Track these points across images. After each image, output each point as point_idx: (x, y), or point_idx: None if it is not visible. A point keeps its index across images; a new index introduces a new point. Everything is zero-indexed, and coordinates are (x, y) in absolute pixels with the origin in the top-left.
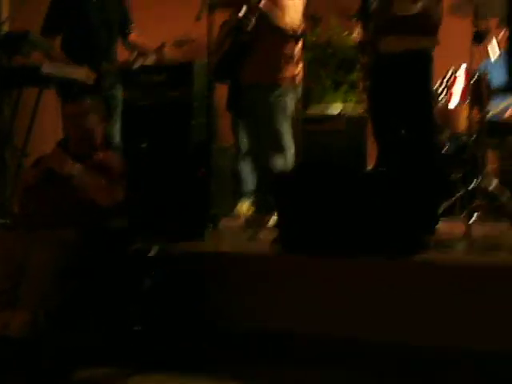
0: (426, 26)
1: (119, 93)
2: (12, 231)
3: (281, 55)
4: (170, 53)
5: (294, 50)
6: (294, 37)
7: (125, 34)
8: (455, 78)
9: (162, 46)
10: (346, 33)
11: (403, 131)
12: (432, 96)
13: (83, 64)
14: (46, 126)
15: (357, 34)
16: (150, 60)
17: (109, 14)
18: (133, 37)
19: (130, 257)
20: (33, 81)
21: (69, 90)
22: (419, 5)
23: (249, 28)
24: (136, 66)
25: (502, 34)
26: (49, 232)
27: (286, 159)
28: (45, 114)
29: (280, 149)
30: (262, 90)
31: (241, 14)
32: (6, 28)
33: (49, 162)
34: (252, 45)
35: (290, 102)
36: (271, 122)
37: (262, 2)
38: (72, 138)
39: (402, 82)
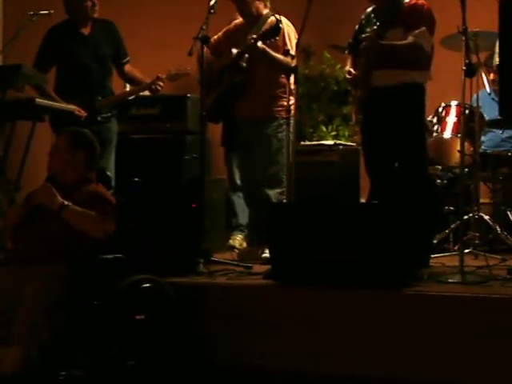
0: (418, 59)
1: (114, 126)
2: (5, 267)
3: (275, 88)
4: (164, 85)
5: (287, 81)
6: (288, 69)
7: (120, 65)
8: (448, 109)
9: (157, 79)
10: (339, 66)
11: (396, 164)
12: (424, 129)
13: (76, 99)
14: (39, 159)
15: (348, 67)
16: (145, 92)
17: (100, 49)
18: (128, 68)
19: (122, 290)
20: (26, 114)
21: (61, 125)
22: (410, 38)
23: (244, 65)
24: (131, 97)
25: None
26: (41, 267)
27: (283, 191)
28: (37, 146)
29: (278, 181)
30: (258, 123)
31: (234, 52)
32: None
33: (38, 197)
34: (247, 82)
35: (286, 133)
36: (269, 154)
37: (260, 43)
38: (53, 173)
39: (395, 116)
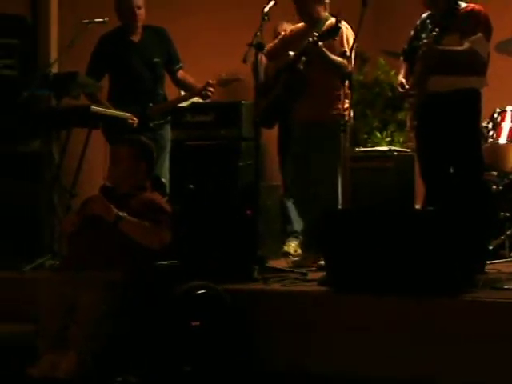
0: (474, 65)
1: (167, 133)
2: (61, 273)
3: (332, 90)
4: (215, 92)
5: (344, 85)
6: (343, 74)
7: (172, 72)
8: (504, 114)
9: (207, 84)
10: (394, 72)
11: (451, 170)
12: (480, 135)
13: (128, 106)
14: (93, 166)
15: (402, 76)
16: (199, 99)
17: (151, 55)
18: (181, 74)
19: (177, 296)
20: (82, 121)
21: (114, 132)
22: (467, 44)
23: (301, 68)
24: (182, 104)
25: None
26: (96, 273)
27: (337, 196)
28: (91, 154)
29: (333, 186)
30: (315, 126)
31: (291, 54)
32: (54, 69)
33: (93, 208)
34: (304, 84)
35: (343, 138)
36: (326, 158)
37: (320, 44)
38: (111, 182)
39: (450, 121)
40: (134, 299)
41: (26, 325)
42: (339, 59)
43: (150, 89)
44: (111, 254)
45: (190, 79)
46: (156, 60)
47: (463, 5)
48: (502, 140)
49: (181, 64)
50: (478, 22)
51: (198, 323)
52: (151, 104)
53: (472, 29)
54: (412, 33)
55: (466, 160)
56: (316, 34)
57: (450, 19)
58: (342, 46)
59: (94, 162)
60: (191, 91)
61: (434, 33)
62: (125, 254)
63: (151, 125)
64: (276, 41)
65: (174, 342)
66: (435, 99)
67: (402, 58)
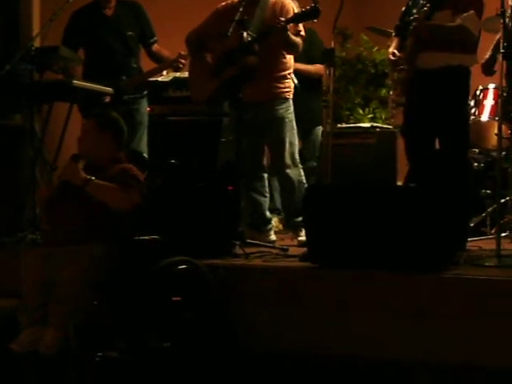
0: (465, 42)
1: (143, 107)
2: (42, 247)
3: (282, 69)
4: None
5: (291, 62)
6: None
7: (147, 45)
8: (486, 92)
9: (179, 56)
10: (376, 48)
11: (437, 147)
12: (468, 112)
13: (102, 80)
14: (74, 140)
15: (393, 48)
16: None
17: (123, 29)
18: (156, 48)
19: (158, 271)
20: (64, 95)
21: (89, 107)
22: (458, 20)
23: (257, 48)
24: (164, 79)
25: None
26: (77, 247)
27: (300, 172)
28: (71, 129)
29: (295, 162)
30: (267, 105)
31: (246, 35)
32: (37, 43)
33: (63, 174)
34: (258, 66)
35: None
36: (283, 136)
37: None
38: (82, 153)
39: (439, 98)
40: (114, 274)
41: (6, 300)
42: (297, 39)
43: (124, 62)
44: (90, 226)
45: (165, 53)
46: (129, 33)
47: None
48: (484, 117)
49: (155, 38)
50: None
51: (178, 298)
52: (124, 77)
53: (464, 6)
54: (403, 8)
55: (452, 136)
56: (283, 18)
57: None
58: (297, 25)
59: (73, 136)
60: (163, 63)
61: (425, 8)
62: (104, 227)
63: (125, 97)
64: (209, 17)
65: (154, 318)
66: (425, 75)
67: (393, 33)
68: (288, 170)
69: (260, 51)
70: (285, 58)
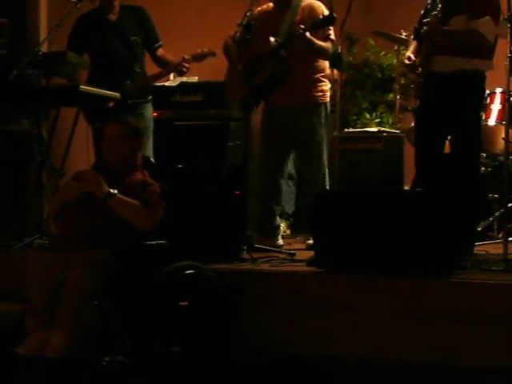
0: (480, 47)
1: (149, 112)
2: (50, 251)
3: (315, 73)
4: (192, 68)
5: (325, 65)
6: (333, 56)
7: (152, 50)
8: (493, 96)
9: (182, 60)
10: (383, 53)
11: (449, 151)
12: (481, 117)
13: (106, 85)
14: (80, 145)
15: (410, 52)
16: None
17: (128, 34)
18: (160, 53)
19: (165, 276)
20: (71, 100)
21: (93, 112)
22: (472, 26)
23: (284, 55)
24: (171, 83)
25: None
26: (85, 252)
27: (325, 176)
28: (77, 134)
29: (320, 166)
30: (300, 110)
31: (273, 41)
32: (44, 48)
33: (85, 185)
34: (287, 71)
35: (327, 118)
36: (314, 139)
37: (308, 33)
38: (105, 160)
39: (453, 102)
40: (121, 278)
41: (14, 304)
42: (324, 44)
43: (128, 67)
44: (99, 231)
45: (170, 57)
46: (133, 38)
47: None
48: (491, 122)
49: (160, 42)
50: (486, 5)
51: (186, 303)
52: (128, 82)
53: (480, 11)
54: (422, 12)
55: (465, 140)
56: (302, 26)
57: (459, 0)
58: (327, 30)
59: (80, 141)
60: (167, 68)
61: (436, 12)
62: (113, 232)
63: (129, 102)
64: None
65: (161, 322)
66: (439, 79)
67: (412, 37)
68: (318, 178)
69: (289, 56)
70: (316, 61)
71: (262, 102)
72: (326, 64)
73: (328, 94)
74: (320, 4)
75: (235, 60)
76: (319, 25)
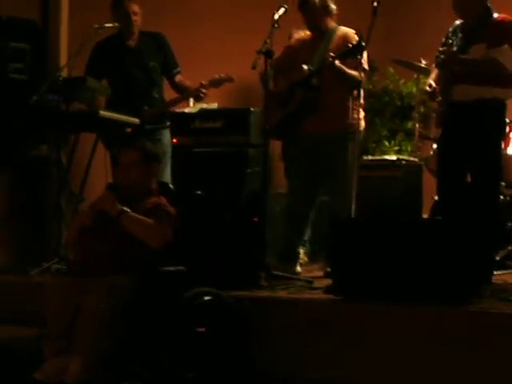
0: (499, 75)
1: (166, 138)
2: (67, 277)
3: (345, 102)
4: (210, 93)
5: (358, 95)
6: (353, 84)
7: (170, 76)
8: None
9: (200, 86)
10: (403, 81)
11: (469, 180)
12: (501, 146)
13: (124, 110)
14: (98, 171)
15: (431, 79)
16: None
17: (147, 60)
18: (179, 79)
19: (183, 302)
20: (90, 126)
21: (111, 137)
22: (490, 54)
23: (316, 83)
24: (191, 110)
25: None
26: (102, 278)
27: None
28: (96, 159)
29: (347, 196)
30: (334, 138)
31: (306, 69)
32: (64, 74)
33: (99, 204)
34: (318, 99)
35: (350, 147)
36: (340, 169)
37: (337, 62)
38: (121, 186)
39: (473, 131)
40: (139, 304)
41: (31, 329)
42: (355, 73)
43: (146, 93)
44: (117, 257)
45: (188, 83)
46: (152, 64)
47: (495, 15)
48: (510, 150)
49: (178, 69)
50: (504, 33)
51: (203, 329)
52: (146, 107)
53: (498, 40)
54: (443, 39)
55: (485, 170)
56: (332, 54)
57: (478, 29)
58: (359, 59)
59: (99, 166)
60: (184, 93)
61: (450, 41)
62: (131, 259)
63: (147, 127)
64: (281, 52)
65: (179, 348)
66: (459, 108)
67: (434, 64)
68: (345, 209)
69: (321, 84)
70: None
71: (295, 128)
72: (361, 93)
73: (362, 122)
74: (354, 34)
75: (270, 86)
76: (348, 53)
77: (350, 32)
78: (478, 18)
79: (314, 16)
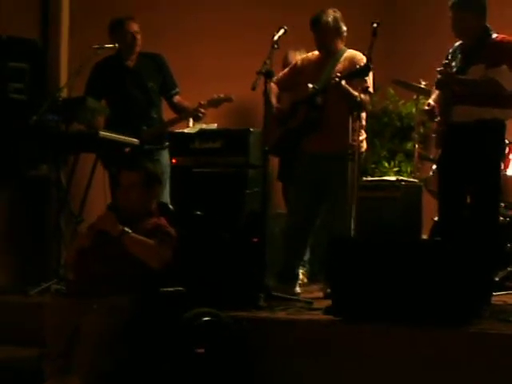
0: (499, 96)
1: (165, 158)
2: (67, 297)
3: (348, 123)
4: (209, 114)
5: (359, 116)
6: (353, 106)
7: (168, 97)
8: None
9: (199, 105)
10: (402, 102)
11: (469, 200)
12: (500, 167)
13: (122, 129)
14: (98, 191)
15: (431, 100)
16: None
17: (145, 80)
18: (177, 99)
19: (182, 323)
20: (90, 146)
21: (110, 157)
22: (488, 75)
23: (320, 102)
24: (190, 130)
25: None
26: (102, 299)
27: (350, 226)
28: (96, 179)
29: (346, 216)
30: (335, 159)
31: (311, 87)
32: (64, 94)
33: (100, 224)
34: (321, 118)
35: (350, 167)
36: (340, 189)
37: (343, 82)
38: (122, 207)
39: (473, 152)
40: (138, 325)
41: (31, 349)
42: (361, 96)
43: (144, 113)
44: (116, 279)
45: (186, 104)
46: (150, 85)
47: (494, 35)
48: (510, 171)
49: (177, 89)
50: (503, 54)
51: (202, 350)
52: (145, 127)
53: (496, 60)
54: (444, 61)
55: (484, 191)
56: (339, 74)
57: (477, 49)
58: (365, 81)
59: (98, 187)
60: (183, 113)
61: (447, 61)
62: (130, 280)
63: (146, 147)
64: (286, 70)
65: (178, 369)
66: (458, 129)
67: (434, 86)
68: (345, 231)
69: (325, 104)
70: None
71: (296, 146)
72: (363, 114)
73: (363, 144)
74: (362, 56)
75: (273, 103)
76: (355, 74)
77: (358, 54)
78: (476, 39)
79: (325, 36)
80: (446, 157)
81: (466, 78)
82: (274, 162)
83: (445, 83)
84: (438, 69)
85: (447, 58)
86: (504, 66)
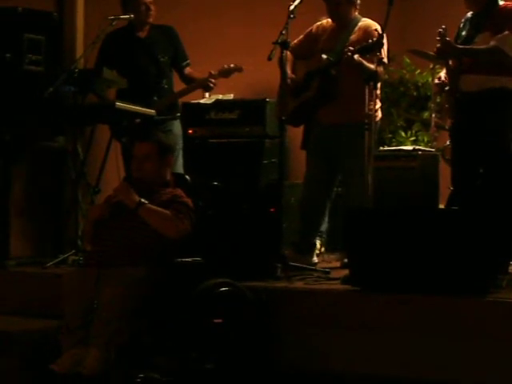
0: (503, 64)
1: (177, 129)
2: (84, 269)
3: (362, 93)
4: (219, 84)
5: (375, 86)
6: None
7: (179, 69)
8: None
9: (209, 75)
10: (419, 71)
11: (482, 169)
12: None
13: (133, 100)
14: (113, 162)
15: (444, 72)
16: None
17: (157, 52)
18: (188, 71)
19: (200, 293)
20: (107, 117)
21: (121, 128)
22: (492, 42)
23: (334, 73)
24: (206, 101)
25: None
26: (120, 269)
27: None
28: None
29: (365, 184)
30: (347, 129)
31: (325, 58)
32: (80, 65)
33: (116, 195)
34: (336, 89)
35: (367, 137)
36: (357, 159)
37: (356, 56)
38: (136, 178)
39: (483, 121)
40: (156, 296)
41: (49, 320)
42: (373, 67)
43: (155, 84)
44: (134, 249)
45: (197, 75)
46: (161, 56)
47: (501, 2)
48: None
49: (188, 61)
50: (506, 20)
51: (220, 320)
52: (156, 98)
53: (501, 27)
54: (456, 31)
55: (497, 158)
56: (352, 48)
57: (484, 17)
58: (380, 52)
59: (114, 158)
60: (193, 83)
61: (441, 30)
62: (148, 250)
63: (156, 118)
64: (302, 37)
65: (196, 339)
66: (467, 98)
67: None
68: (361, 201)
69: (339, 75)
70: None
71: (310, 117)
72: (378, 84)
73: (379, 113)
74: (376, 26)
75: (288, 73)
76: (367, 49)
77: (373, 24)
78: (484, 7)
79: (338, 6)
80: (457, 126)
81: (465, 47)
82: (292, 131)
83: (443, 51)
84: (438, 38)
85: (459, 28)
86: (507, 32)
